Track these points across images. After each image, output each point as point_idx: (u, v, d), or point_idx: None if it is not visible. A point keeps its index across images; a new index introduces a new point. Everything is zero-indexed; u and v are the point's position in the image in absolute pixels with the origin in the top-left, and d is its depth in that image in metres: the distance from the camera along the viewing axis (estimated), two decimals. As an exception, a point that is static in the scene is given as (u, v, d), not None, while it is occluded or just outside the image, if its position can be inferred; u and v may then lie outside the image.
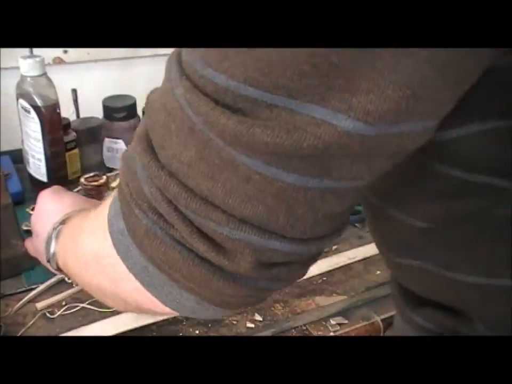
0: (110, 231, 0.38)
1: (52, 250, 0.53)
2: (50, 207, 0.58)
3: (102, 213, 0.41)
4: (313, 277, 0.76)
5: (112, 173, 0.93)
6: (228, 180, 0.30)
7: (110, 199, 0.40)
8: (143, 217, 0.34)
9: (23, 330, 0.64)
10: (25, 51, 0.90)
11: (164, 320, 0.65)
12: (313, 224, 0.32)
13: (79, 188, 0.85)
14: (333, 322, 0.70)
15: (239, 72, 0.27)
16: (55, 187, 0.63)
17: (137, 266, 0.37)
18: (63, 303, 0.68)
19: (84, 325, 0.65)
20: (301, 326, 0.69)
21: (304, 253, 0.34)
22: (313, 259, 0.36)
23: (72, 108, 0.98)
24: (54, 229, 0.54)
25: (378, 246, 0.48)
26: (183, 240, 0.33)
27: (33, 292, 0.69)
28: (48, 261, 0.55)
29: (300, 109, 0.27)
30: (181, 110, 0.30)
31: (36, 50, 0.90)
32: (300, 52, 0.26)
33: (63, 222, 0.54)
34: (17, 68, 0.82)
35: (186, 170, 0.31)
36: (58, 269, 0.55)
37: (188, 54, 0.30)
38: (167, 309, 0.38)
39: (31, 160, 0.88)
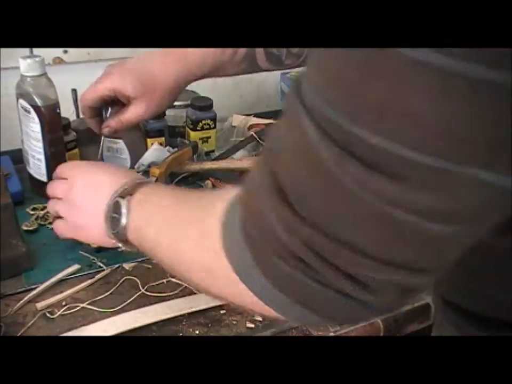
0: (233, 264, 0.38)
1: (123, 222, 0.50)
2: (101, 178, 0.55)
3: (207, 222, 0.40)
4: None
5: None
6: (378, 231, 0.31)
7: (218, 206, 0.39)
8: (283, 265, 0.34)
9: (23, 330, 0.63)
10: (25, 51, 0.90)
11: (164, 320, 0.65)
12: (449, 261, 0.33)
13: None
14: (333, 322, 0.70)
15: (399, 135, 0.27)
16: (83, 162, 0.61)
17: (265, 292, 0.37)
18: (63, 303, 0.68)
19: (83, 325, 0.64)
20: (301, 326, 0.69)
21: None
22: None
23: (72, 108, 0.98)
24: (120, 198, 0.50)
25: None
26: (329, 283, 0.33)
27: (33, 292, 0.69)
28: (115, 234, 0.52)
29: (463, 172, 0.27)
30: (324, 167, 0.30)
31: (36, 50, 0.90)
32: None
33: (128, 193, 0.51)
34: (17, 67, 0.82)
35: (332, 223, 0.31)
36: (126, 242, 0.53)
37: (317, 100, 0.30)
38: (273, 312, 0.38)
39: (31, 160, 0.88)
